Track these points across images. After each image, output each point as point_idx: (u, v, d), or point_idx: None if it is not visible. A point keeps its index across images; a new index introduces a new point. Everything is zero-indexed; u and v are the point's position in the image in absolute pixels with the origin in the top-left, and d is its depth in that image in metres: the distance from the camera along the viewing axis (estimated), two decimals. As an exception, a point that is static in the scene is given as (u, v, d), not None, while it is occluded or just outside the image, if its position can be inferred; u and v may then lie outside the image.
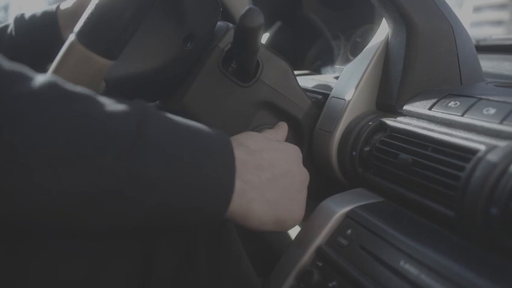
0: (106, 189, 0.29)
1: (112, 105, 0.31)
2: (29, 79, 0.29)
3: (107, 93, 0.44)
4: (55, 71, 0.37)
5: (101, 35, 0.35)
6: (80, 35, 0.36)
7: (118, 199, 0.30)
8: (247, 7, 0.42)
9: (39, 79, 0.29)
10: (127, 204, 0.31)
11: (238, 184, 0.36)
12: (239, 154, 0.38)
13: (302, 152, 0.58)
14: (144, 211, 0.31)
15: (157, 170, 0.31)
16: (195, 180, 0.33)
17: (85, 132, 0.29)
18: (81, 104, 0.30)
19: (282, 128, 0.54)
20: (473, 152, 0.36)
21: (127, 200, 0.30)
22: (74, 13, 0.66)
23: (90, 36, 0.35)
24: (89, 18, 0.35)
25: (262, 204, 0.38)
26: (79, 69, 0.36)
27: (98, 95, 0.32)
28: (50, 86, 0.29)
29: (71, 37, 0.36)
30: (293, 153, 0.44)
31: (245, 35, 0.43)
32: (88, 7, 0.36)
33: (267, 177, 0.39)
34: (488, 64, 0.69)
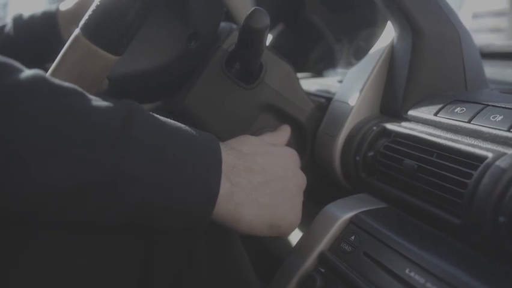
0: (90, 182, 0.30)
1: (99, 101, 0.32)
2: (17, 72, 0.29)
3: (110, 90, 0.44)
4: (59, 65, 0.36)
5: (107, 29, 0.35)
6: (85, 28, 0.35)
7: (102, 193, 0.30)
8: (252, 8, 0.42)
9: (28, 73, 0.29)
10: (110, 199, 0.31)
11: (225, 186, 0.35)
12: (228, 158, 0.37)
13: (304, 155, 0.58)
14: (126, 207, 0.32)
15: (140, 166, 0.31)
16: (177, 180, 0.33)
17: (73, 126, 0.29)
18: (69, 98, 0.30)
19: (284, 132, 0.53)
20: (480, 159, 0.36)
21: (110, 195, 0.31)
22: (75, 14, 0.66)
23: (96, 30, 0.35)
24: (95, 12, 0.35)
25: (253, 208, 0.37)
26: (84, 64, 0.35)
27: (86, 91, 0.32)
28: (39, 80, 0.29)
29: (76, 31, 0.36)
30: (289, 158, 0.43)
31: (250, 36, 0.43)
32: (94, 1, 0.35)
33: (259, 181, 0.38)
34: (491, 70, 0.69)
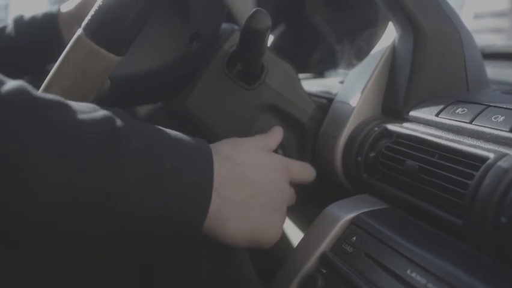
0: (77, 198, 0.29)
1: (85, 113, 0.31)
2: None
3: (112, 91, 0.44)
4: (61, 66, 0.36)
5: (109, 29, 0.35)
6: (87, 29, 0.35)
7: (89, 208, 0.30)
8: (254, 9, 0.42)
9: (10, 85, 0.28)
10: (99, 213, 0.30)
11: (215, 201, 0.35)
12: (221, 169, 0.37)
13: (306, 156, 0.58)
14: (115, 221, 0.31)
15: (128, 181, 0.31)
16: (168, 195, 0.33)
17: (57, 140, 0.28)
18: (53, 111, 0.29)
19: (276, 133, 0.52)
20: (482, 159, 0.36)
21: (99, 209, 0.30)
22: (76, 15, 0.66)
23: (98, 30, 0.35)
24: (97, 12, 0.35)
25: (237, 222, 0.37)
26: (86, 64, 0.35)
27: (70, 102, 0.31)
28: (21, 93, 0.28)
29: (79, 31, 0.36)
30: (279, 171, 0.43)
31: (252, 36, 0.43)
32: (97, 1, 0.35)
33: (246, 195, 0.39)
34: (492, 71, 0.69)
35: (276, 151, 0.52)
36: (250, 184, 0.39)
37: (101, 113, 0.32)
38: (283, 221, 0.42)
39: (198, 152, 0.36)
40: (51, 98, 0.30)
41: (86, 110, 0.31)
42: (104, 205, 0.30)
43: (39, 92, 0.30)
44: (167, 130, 0.36)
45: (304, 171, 0.49)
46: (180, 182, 0.33)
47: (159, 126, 0.36)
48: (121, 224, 0.32)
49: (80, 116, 0.30)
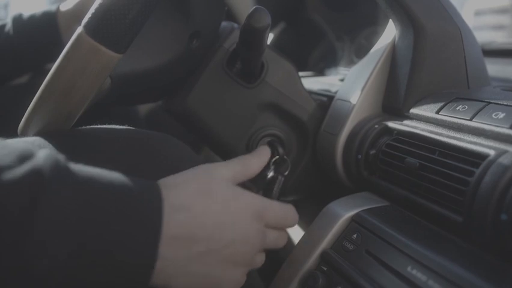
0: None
1: (5, 169, 0.26)
2: None
3: (112, 90, 0.44)
4: (61, 64, 0.36)
5: (109, 26, 0.34)
6: (88, 26, 0.35)
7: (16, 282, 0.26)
8: (254, 7, 0.42)
9: None
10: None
11: (158, 265, 0.31)
12: (170, 226, 0.32)
13: (306, 154, 0.58)
14: None
15: (52, 258, 0.26)
16: (103, 271, 0.29)
17: None
18: None
19: (261, 157, 0.45)
20: (482, 156, 0.35)
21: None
22: (75, 14, 0.66)
23: (98, 28, 0.34)
24: (97, 10, 0.35)
25: (184, 279, 0.33)
26: (86, 62, 0.35)
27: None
28: None
29: (79, 29, 0.35)
30: (249, 217, 0.37)
31: (251, 35, 0.43)
32: None
33: (199, 250, 0.34)
34: (493, 68, 0.68)
35: (276, 150, 0.52)
36: (208, 238, 0.34)
37: (28, 166, 0.27)
38: (242, 276, 0.38)
39: (145, 210, 0.31)
40: None
41: (10, 162, 0.26)
42: (28, 280, 0.26)
43: None
44: (114, 179, 0.31)
45: (284, 216, 0.42)
46: (117, 256, 0.29)
47: (106, 174, 0.31)
48: None
49: None
